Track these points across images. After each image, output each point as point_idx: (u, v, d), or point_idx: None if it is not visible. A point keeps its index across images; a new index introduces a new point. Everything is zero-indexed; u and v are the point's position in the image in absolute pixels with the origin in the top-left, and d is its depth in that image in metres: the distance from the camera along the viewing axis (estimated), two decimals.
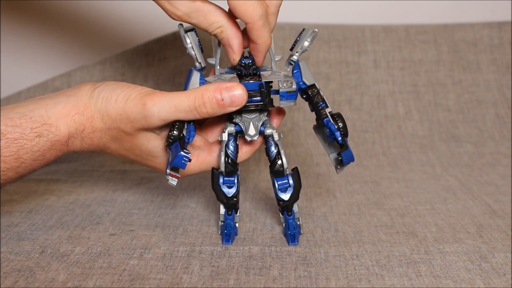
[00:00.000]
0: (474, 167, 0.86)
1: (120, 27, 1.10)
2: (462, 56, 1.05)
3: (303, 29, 0.60)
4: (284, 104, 0.58)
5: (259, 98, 0.57)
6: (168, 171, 0.56)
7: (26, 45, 1.10)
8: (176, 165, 0.54)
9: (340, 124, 0.57)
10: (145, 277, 0.52)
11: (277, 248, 0.58)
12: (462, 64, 1.04)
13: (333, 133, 0.56)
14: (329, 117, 0.57)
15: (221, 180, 0.58)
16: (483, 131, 0.98)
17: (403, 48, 1.05)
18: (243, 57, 0.57)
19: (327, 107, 0.58)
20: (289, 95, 0.58)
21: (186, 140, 0.56)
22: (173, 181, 0.56)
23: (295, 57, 0.59)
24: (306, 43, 0.59)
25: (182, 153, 0.54)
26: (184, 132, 0.56)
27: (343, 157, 0.56)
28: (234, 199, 0.59)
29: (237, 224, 0.61)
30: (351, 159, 0.57)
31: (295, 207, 0.59)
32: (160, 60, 1.01)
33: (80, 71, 0.99)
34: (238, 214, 0.60)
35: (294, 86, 0.58)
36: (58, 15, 1.09)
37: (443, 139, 0.96)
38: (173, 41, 1.01)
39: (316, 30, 0.60)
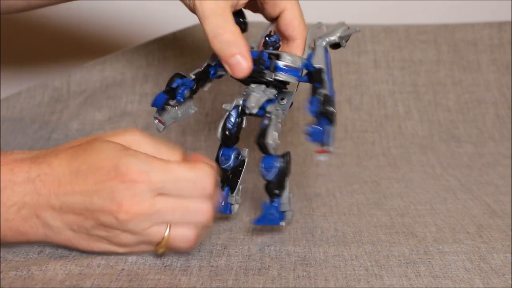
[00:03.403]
0: (474, 167, 0.86)
1: (120, 27, 1.10)
2: (462, 56, 1.05)
3: (341, 23, 0.59)
4: (280, 76, 0.56)
5: (255, 66, 0.56)
6: (155, 114, 0.58)
7: (26, 45, 1.10)
8: (154, 105, 0.56)
9: (329, 108, 0.54)
10: (143, 278, 0.52)
11: (276, 248, 0.58)
12: (462, 64, 1.04)
13: (309, 105, 0.55)
14: (319, 96, 0.55)
15: (221, 151, 0.58)
16: (483, 131, 0.97)
17: (403, 48, 1.05)
18: (269, 36, 0.57)
19: (324, 88, 0.56)
20: (287, 70, 0.56)
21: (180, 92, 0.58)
22: (159, 126, 0.58)
23: (316, 43, 0.57)
24: (332, 36, 0.57)
25: (162, 93, 0.56)
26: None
27: (309, 130, 0.54)
28: (228, 173, 0.58)
29: (234, 207, 0.60)
30: (319, 138, 0.54)
31: (284, 198, 0.57)
32: (160, 60, 1.01)
33: (80, 71, 0.99)
34: (233, 195, 0.60)
35: (297, 64, 0.56)
36: (58, 15, 1.09)
37: (443, 139, 0.96)
38: (173, 41, 1.01)
39: (358, 29, 0.58)
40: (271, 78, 0.56)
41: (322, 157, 0.55)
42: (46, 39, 1.11)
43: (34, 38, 1.10)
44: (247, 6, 0.61)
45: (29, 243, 0.55)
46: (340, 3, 1.10)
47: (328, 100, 0.55)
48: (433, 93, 1.02)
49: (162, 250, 0.53)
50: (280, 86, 0.58)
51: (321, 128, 0.54)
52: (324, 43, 0.58)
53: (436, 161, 0.89)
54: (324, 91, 0.55)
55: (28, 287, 0.50)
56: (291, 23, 0.58)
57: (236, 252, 0.57)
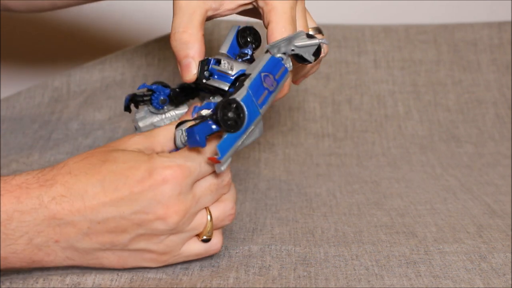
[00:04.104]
0: (474, 167, 0.86)
1: (120, 27, 1.10)
2: (462, 56, 1.05)
3: (300, 32, 0.55)
4: (211, 82, 0.54)
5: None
6: (135, 124, 0.58)
7: (26, 45, 1.10)
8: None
9: (219, 115, 0.48)
10: (145, 277, 0.52)
11: (276, 248, 0.58)
12: (462, 64, 1.04)
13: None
14: (221, 100, 0.50)
15: None
16: (483, 131, 0.97)
17: (403, 48, 1.05)
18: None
19: (234, 94, 0.50)
20: (220, 76, 0.54)
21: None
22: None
23: (269, 51, 0.54)
24: (289, 46, 0.54)
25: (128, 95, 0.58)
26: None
27: (187, 132, 0.49)
28: None
29: None
30: (192, 141, 0.48)
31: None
32: (160, 60, 1.01)
33: (80, 71, 0.99)
34: None
35: (232, 71, 0.53)
36: (58, 15, 1.09)
37: (443, 139, 0.96)
38: None
39: (325, 41, 0.54)
40: (204, 83, 0.54)
41: (216, 168, 0.49)
42: (46, 39, 1.11)
43: (34, 38, 1.10)
44: (247, 13, 0.61)
45: (43, 267, 0.51)
46: (340, 3, 1.10)
47: (227, 105, 0.48)
48: (433, 93, 1.02)
49: (208, 235, 0.52)
50: (221, 92, 0.54)
51: (194, 131, 0.48)
52: (277, 52, 0.54)
53: (436, 161, 0.89)
54: (233, 96, 0.49)
55: (28, 287, 0.50)
56: (272, 35, 0.56)
57: (237, 252, 0.57)
